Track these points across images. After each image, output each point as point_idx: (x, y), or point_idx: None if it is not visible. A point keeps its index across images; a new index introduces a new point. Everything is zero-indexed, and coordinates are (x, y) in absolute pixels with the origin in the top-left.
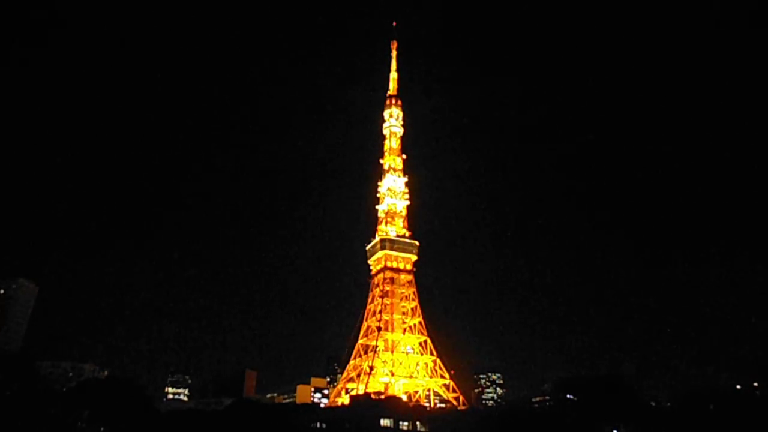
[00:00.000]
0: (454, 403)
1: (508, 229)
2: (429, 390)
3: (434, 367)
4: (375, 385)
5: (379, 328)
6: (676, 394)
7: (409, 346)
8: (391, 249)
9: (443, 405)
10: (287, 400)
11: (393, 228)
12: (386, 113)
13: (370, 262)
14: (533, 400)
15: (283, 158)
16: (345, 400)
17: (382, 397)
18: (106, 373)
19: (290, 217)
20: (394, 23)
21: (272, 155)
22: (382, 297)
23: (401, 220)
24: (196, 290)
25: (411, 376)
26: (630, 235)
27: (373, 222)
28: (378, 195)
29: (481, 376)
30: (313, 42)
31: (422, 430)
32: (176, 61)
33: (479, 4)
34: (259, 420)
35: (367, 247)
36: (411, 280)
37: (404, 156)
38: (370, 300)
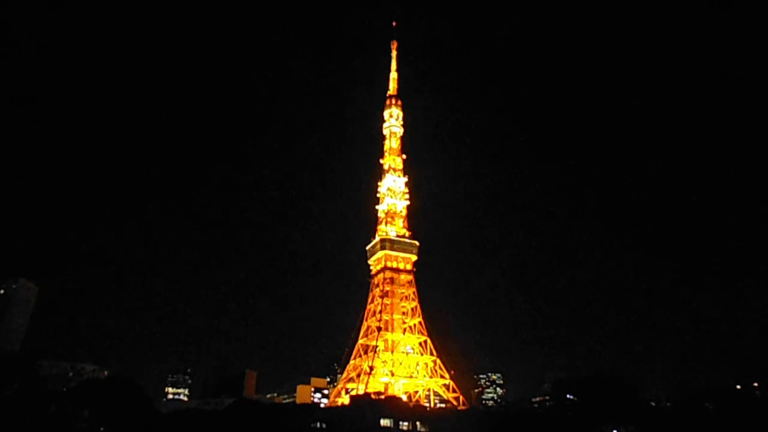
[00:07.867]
0: (454, 403)
1: (508, 229)
2: (429, 390)
3: (434, 367)
4: (375, 385)
5: (379, 328)
6: (676, 394)
7: (409, 346)
8: (391, 249)
9: (443, 405)
10: (287, 400)
11: (393, 228)
12: (386, 113)
13: (370, 262)
14: (533, 400)
15: (283, 158)
16: (345, 400)
17: (382, 397)
18: (106, 373)
19: (290, 217)
20: (394, 23)
21: (272, 155)
22: (382, 297)
23: (401, 220)
24: (196, 290)
25: (411, 376)
26: (630, 236)
27: (373, 222)
28: (378, 195)
29: (481, 376)
30: (314, 42)
31: (422, 430)
32: (178, 62)
33: (479, 4)
34: (259, 420)
35: (367, 247)
36: (411, 280)
37: (404, 156)
38: (370, 300)
